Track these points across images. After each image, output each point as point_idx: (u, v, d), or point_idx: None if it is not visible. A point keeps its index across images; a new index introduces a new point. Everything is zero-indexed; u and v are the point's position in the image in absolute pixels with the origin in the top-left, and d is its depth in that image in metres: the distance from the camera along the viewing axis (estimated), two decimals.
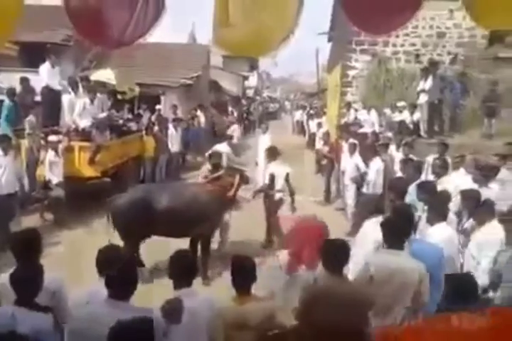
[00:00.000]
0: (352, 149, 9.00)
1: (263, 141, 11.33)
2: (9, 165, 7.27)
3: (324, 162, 10.48)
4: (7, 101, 9.11)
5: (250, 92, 39.33)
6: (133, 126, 11.67)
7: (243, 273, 2.99)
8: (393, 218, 3.57)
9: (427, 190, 4.55)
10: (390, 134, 10.01)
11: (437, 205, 4.10)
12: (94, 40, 4.34)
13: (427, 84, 10.07)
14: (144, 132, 11.80)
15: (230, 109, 24.01)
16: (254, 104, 34.85)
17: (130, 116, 12.53)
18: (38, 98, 9.84)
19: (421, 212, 4.51)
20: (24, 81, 9.85)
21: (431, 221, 4.03)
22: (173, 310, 2.66)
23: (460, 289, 2.66)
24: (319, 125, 15.59)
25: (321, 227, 3.40)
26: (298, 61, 58.20)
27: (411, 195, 4.99)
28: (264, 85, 51.60)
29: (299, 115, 26.95)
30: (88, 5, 3.73)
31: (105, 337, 2.57)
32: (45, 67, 9.58)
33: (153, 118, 13.32)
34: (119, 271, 2.80)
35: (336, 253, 3.04)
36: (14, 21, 3.35)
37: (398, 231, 3.36)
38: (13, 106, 9.09)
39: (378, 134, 10.85)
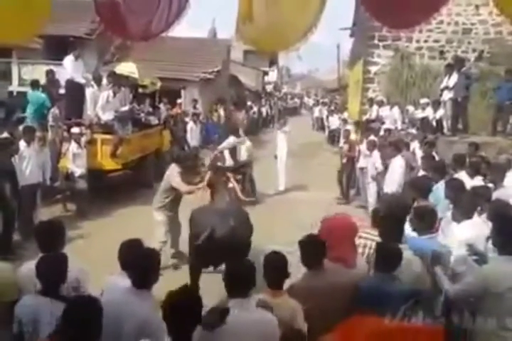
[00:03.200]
0: (371, 146, 8.90)
1: (281, 136, 11.37)
2: (33, 156, 7.36)
3: (344, 160, 10.37)
4: (42, 95, 9.32)
5: (270, 87, 39.20)
6: (153, 119, 11.76)
7: (275, 270, 2.95)
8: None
9: (455, 188, 4.47)
10: (413, 131, 9.87)
11: (465, 203, 4.05)
12: (119, 32, 4.41)
13: (451, 81, 9.87)
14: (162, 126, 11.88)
15: (249, 103, 24.01)
16: (273, 99, 34.76)
17: (151, 109, 12.63)
18: (62, 90, 9.95)
19: (446, 211, 4.41)
20: (49, 73, 9.97)
21: (457, 219, 3.98)
22: (212, 320, 2.49)
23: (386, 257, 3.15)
24: (344, 121, 15.41)
25: (353, 224, 3.36)
26: (318, 56, 57.78)
27: (435, 194, 4.91)
28: (284, 81, 51.34)
29: (318, 111, 26.77)
30: None
31: (125, 324, 2.60)
32: (69, 60, 9.66)
33: (172, 112, 13.39)
34: (142, 260, 2.82)
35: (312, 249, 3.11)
36: (43, 16, 3.39)
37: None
38: (47, 101, 9.28)
39: (399, 131, 10.72)
